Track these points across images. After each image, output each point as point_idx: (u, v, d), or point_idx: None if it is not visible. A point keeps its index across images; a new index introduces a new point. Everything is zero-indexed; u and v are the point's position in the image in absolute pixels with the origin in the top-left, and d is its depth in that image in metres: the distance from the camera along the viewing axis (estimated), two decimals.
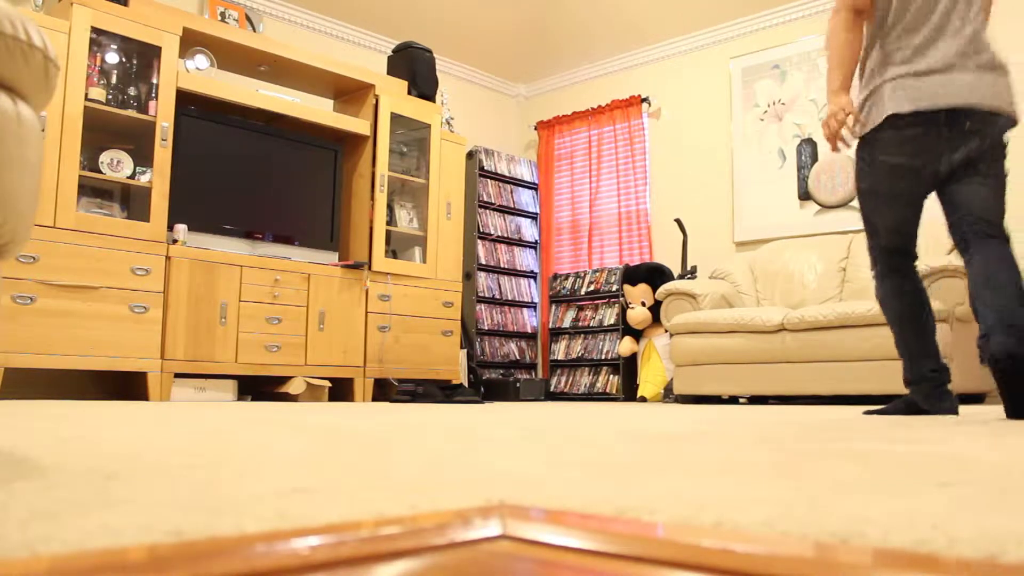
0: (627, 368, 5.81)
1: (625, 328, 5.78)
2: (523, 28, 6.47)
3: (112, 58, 4.39)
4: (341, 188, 5.22)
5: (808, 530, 0.49)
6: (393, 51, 5.72)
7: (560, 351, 6.31)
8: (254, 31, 5.29)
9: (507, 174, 6.61)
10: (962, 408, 3.46)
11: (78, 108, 4.03)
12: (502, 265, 6.49)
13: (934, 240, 4.54)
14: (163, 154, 4.33)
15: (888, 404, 2.79)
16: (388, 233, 5.33)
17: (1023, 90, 3.16)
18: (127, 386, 4.29)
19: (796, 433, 1.56)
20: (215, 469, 0.84)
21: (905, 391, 2.93)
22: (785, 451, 1.11)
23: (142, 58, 4.45)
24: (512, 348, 6.51)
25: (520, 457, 1.00)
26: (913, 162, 2.44)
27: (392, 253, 5.40)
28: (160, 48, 4.37)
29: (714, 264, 5.50)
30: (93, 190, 4.29)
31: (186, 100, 4.55)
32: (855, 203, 5.35)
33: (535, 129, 6.99)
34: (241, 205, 4.73)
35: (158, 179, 4.30)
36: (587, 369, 6.14)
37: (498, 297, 6.42)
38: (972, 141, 2.38)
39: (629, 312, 5.62)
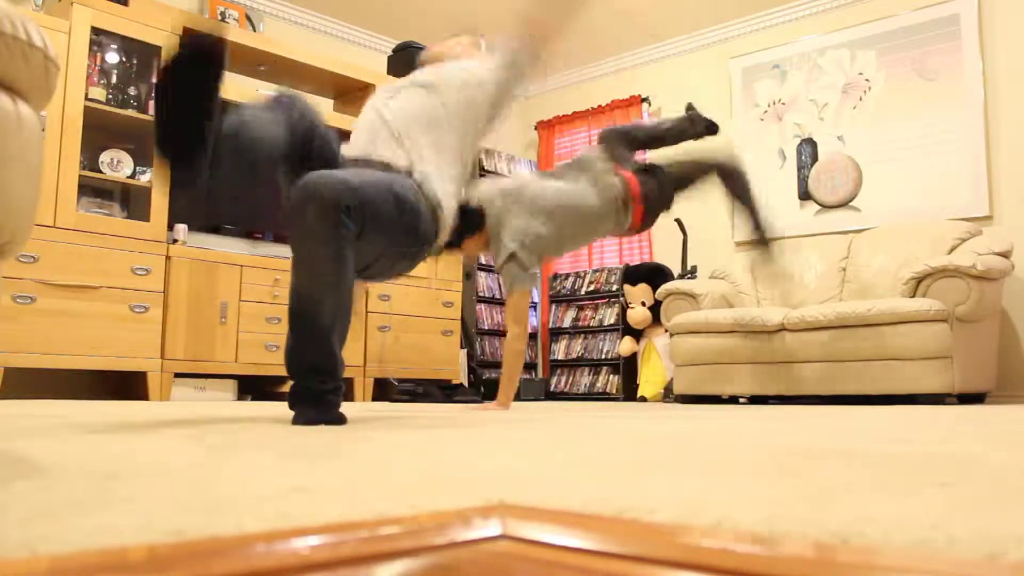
0: (627, 368, 5.81)
1: (625, 328, 5.78)
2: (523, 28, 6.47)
3: (112, 58, 4.39)
4: None
5: (808, 530, 0.49)
6: (393, 51, 5.71)
7: (560, 351, 6.31)
8: (254, 31, 5.29)
9: (507, 174, 6.60)
10: (962, 408, 3.46)
11: (78, 108, 4.02)
12: None
13: (934, 240, 4.54)
14: None
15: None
16: None
17: None
18: (127, 386, 4.28)
19: (796, 433, 1.56)
20: (215, 469, 0.84)
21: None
22: (785, 451, 1.11)
23: (142, 58, 4.46)
24: None
25: (520, 457, 1.00)
26: None
27: None
28: (160, 48, 4.36)
29: (714, 264, 5.49)
30: (93, 190, 4.29)
31: None
32: (855, 203, 5.36)
33: (535, 129, 6.99)
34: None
35: (158, 179, 4.30)
36: (587, 369, 6.14)
37: (498, 297, 6.42)
38: None
39: (629, 312, 5.61)
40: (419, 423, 1.95)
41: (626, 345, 5.68)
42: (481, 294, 6.28)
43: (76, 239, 3.95)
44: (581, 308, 6.26)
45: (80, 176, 4.06)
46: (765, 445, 1.22)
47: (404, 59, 5.58)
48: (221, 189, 1.84)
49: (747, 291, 5.19)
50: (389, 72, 5.61)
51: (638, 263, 5.94)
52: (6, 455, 0.96)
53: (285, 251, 4.82)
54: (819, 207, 5.44)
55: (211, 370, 4.33)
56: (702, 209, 5.98)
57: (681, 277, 5.52)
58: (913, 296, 4.12)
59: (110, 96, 4.30)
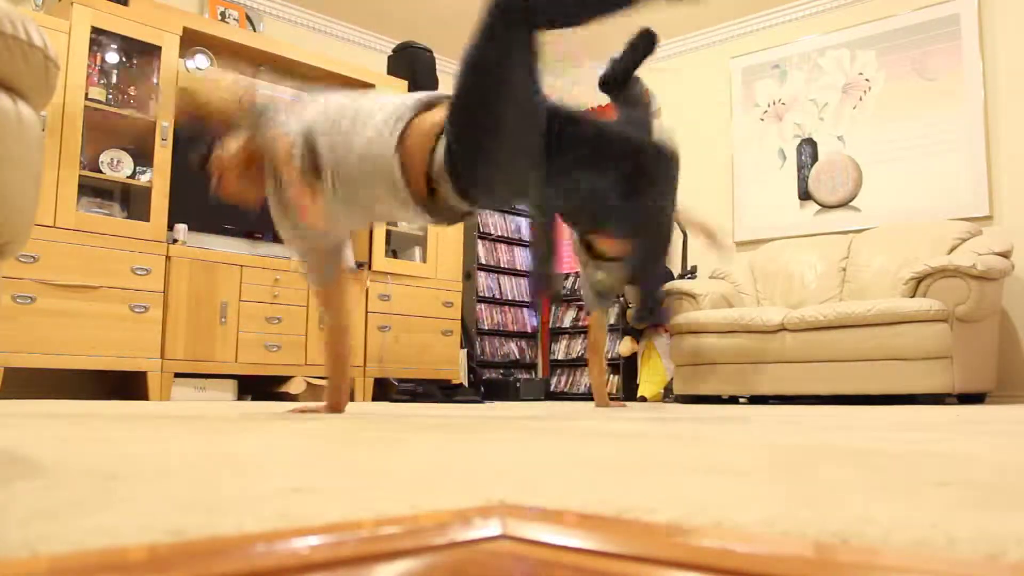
0: (627, 368, 5.81)
1: (625, 328, 5.78)
2: None
3: (112, 58, 4.39)
4: None
5: (808, 530, 0.49)
6: (393, 51, 5.71)
7: (560, 351, 6.31)
8: (254, 31, 5.28)
9: None
10: (962, 408, 3.47)
11: (78, 108, 4.02)
12: (502, 265, 6.49)
13: (934, 240, 4.54)
14: (163, 154, 4.32)
15: None
16: (388, 233, 5.33)
17: None
18: (127, 386, 4.28)
19: (796, 433, 1.56)
20: (216, 469, 0.84)
21: None
22: (785, 451, 1.11)
23: (142, 58, 4.45)
24: (512, 348, 6.51)
25: (520, 457, 1.00)
26: None
27: (392, 253, 5.40)
28: (160, 48, 4.37)
29: (714, 264, 5.49)
30: (93, 190, 4.29)
31: None
32: (855, 203, 5.36)
33: None
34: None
35: (158, 179, 4.30)
36: (587, 369, 6.13)
37: (498, 297, 6.42)
38: None
39: (629, 312, 5.61)
40: (419, 423, 1.95)
41: (626, 345, 5.68)
42: (481, 294, 6.28)
43: (76, 239, 3.95)
44: (581, 308, 6.25)
45: (80, 176, 4.06)
46: (765, 445, 1.22)
47: (404, 59, 5.58)
48: None
49: (747, 291, 5.20)
50: (389, 72, 5.61)
51: None
52: (6, 455, 0.96)
53: (285, 251, 4.81)
54: (819, 207, 5.44)
55: (211, 370, 4.33)
56: (702, 209, 5.99)
57: (681, 277, 5.52)
58: (913, 296, 4.12)
59: (110, 96, 4.30)
